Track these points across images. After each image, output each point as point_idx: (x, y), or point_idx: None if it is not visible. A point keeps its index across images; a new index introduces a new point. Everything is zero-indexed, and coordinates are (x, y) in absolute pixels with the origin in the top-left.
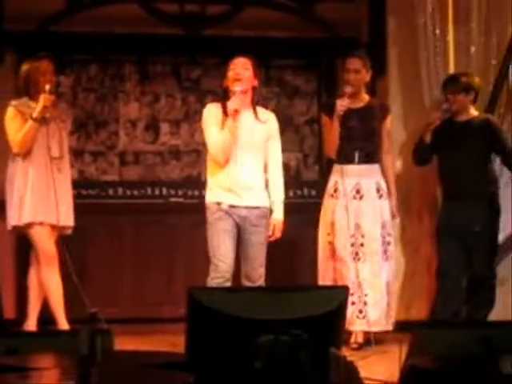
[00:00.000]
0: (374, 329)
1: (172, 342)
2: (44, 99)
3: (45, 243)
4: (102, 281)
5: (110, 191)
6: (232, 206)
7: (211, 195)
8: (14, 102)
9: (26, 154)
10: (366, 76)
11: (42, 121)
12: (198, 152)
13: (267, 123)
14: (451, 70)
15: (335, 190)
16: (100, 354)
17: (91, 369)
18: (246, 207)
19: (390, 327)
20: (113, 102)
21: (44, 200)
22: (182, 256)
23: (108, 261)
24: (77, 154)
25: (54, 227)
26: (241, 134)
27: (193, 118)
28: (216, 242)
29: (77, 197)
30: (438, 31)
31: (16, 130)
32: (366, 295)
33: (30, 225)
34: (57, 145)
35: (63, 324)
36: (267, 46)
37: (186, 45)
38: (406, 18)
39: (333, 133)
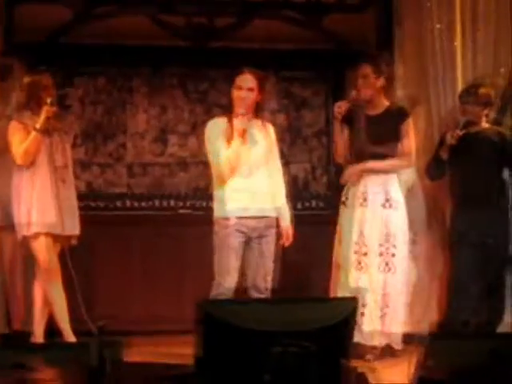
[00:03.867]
0: (368, 342)
1: (180, 354)
2: (47, 111)
3: (47, 256)
4: (111, 292)
5: (118, 203)
6: (240, 218)
7: (219, 209)
8: (16, 115)
9: (30, 165)
10: (377, 82)
11: (45, 132)
12: (206, 164)
13: (267, 135)
14: (459, 81)
15: (346, 198)
16: (109, 366)
17: (101, 380)
18: (255, 217)
19: (389, 341)
20: (121, 114)
21: (50, 210)
22: (190, 267)
23: (116, 272)
24: (85, 165)
25: (58, 237)
26: (244, 148)
27: (200, 129)
28: (221, 260)
29: (85, 209)
30: (445, 43)
31: (19, 141)
32: (363, 306)
33: (36, 235)
34: (60, 155)
35: (69, 336)
36: (275, 59)
37: (194, 57)
38: (414, 30)
39: (336, 137)
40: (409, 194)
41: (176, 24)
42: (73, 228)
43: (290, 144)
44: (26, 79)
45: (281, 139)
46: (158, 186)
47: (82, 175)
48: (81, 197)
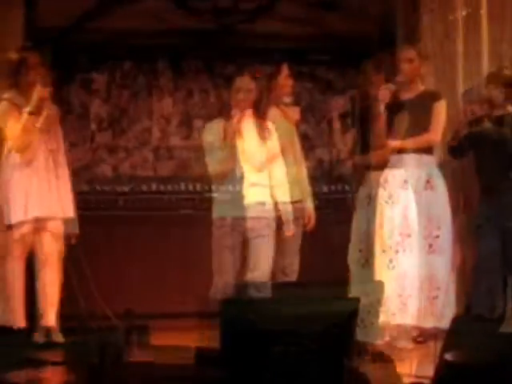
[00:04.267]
0: (421, 324)
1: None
2: (39, 92)
3: (46, 250)
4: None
5: (144, 187)
6: (236, 218)
7: (216, 209)
8: (5, 95)
9: (25, 149)
10: (420, 67)
11: (38, 114)
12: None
13: (269, 133)
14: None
15: (385, 181)
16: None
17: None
18: (251, 218)
19: (439, 324)
20: (146, 98)
21: (46, 198)
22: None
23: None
24: (111, 149)
25: (57, 234)
26: (243, 148)
27: (226, 113)
28: (218, 259)
29: (111, 193)
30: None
31: (12, 124)
32: (411, 288)
33: (34, 229)
34: (53, 138)
35: (50, 321)
36: (300, 41)
37: (220, 40)
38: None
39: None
40: (428, 185)
41: (201, 7)
42: (68, 211)
43: (315, 127)
44: (12, 56)
45: (305, 122)
46: (183, 169)
47: (108, 159)
48: (105, 181)
